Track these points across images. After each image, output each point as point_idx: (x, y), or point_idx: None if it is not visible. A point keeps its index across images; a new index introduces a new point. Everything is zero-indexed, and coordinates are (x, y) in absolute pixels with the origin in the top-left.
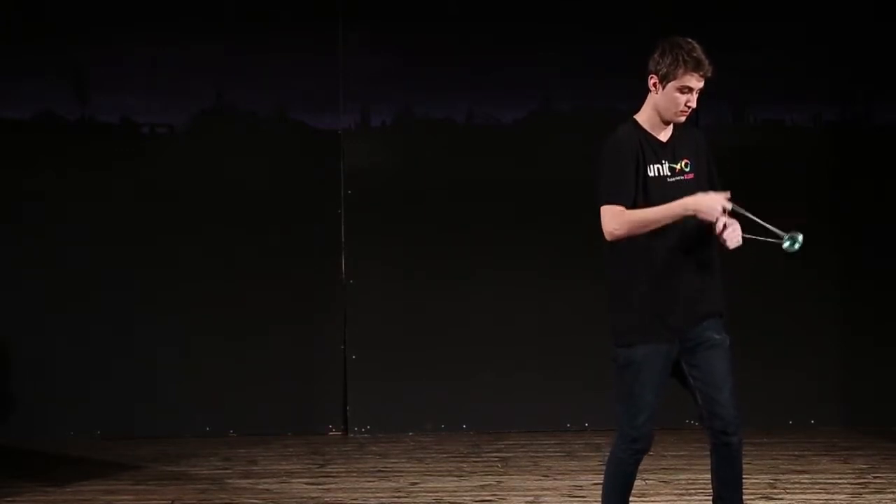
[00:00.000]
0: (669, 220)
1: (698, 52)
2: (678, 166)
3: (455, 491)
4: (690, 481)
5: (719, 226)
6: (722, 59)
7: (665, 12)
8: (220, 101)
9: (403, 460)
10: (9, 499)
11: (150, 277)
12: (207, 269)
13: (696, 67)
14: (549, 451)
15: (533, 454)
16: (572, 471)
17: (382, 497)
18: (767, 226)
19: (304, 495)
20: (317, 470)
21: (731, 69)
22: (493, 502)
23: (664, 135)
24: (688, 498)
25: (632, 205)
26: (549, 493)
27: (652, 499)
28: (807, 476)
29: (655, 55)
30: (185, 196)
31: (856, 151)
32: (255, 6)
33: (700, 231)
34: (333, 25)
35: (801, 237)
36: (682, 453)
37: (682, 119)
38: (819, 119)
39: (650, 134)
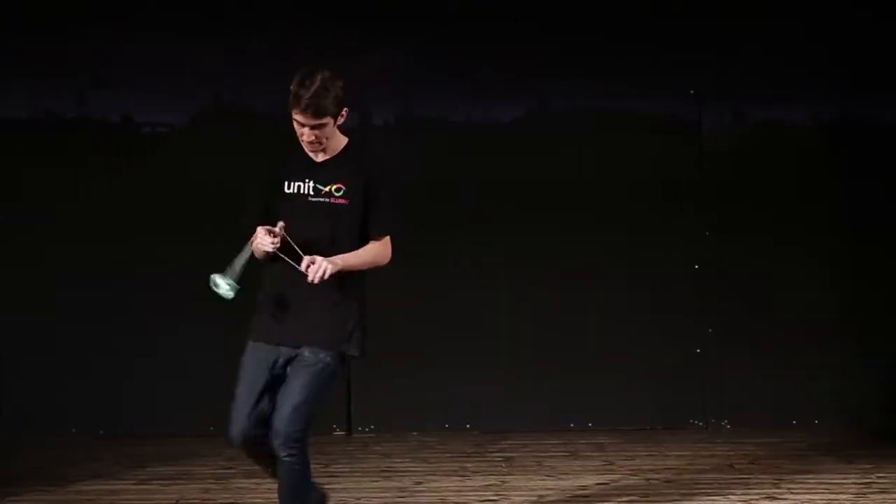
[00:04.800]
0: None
1: (305, 89)
2: (327, 188)
3: (459, 490)
4: (695, 481)
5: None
6: (723, 59)
7: (665, 14)
8: (219, 100)
9: (407, 460)
10: (11, 498)
11: (156, 277)
12: (212, 269)
13: (294, 104)
14: (553, 451)
15: (537, 454)
16: (576, 470)
17: (386, 497)
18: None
19: None
20: (321, 470)
21: (730, 69)
22: (497, 502)
23: (322, 156)
24: (692, 498)
25: (262, 220)
26: (552, 492)
27: (654, 499)
28: (811, 476)
29: None
30: (183, 196)
31: (854, 151)
32: (253, 6)
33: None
34: (333, 25)
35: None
36: (685, 453)
37: (312, 151)
38: (817, 119)
39: (304, 152)
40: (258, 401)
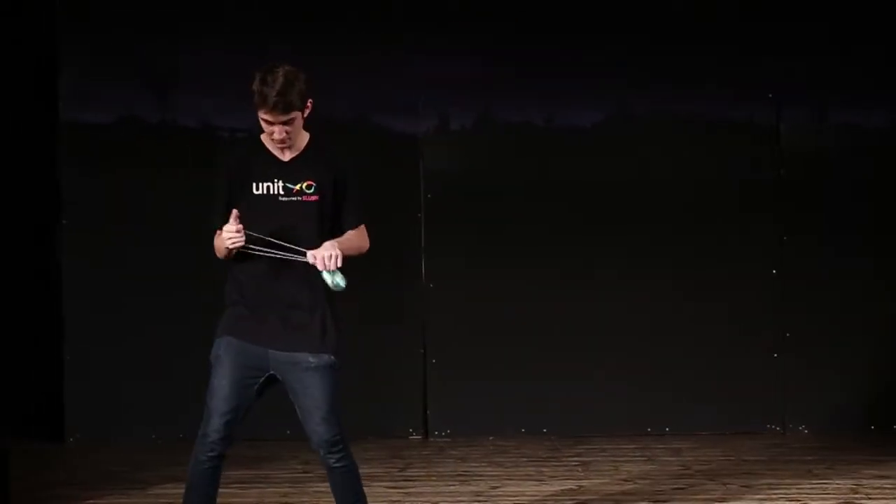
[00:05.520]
0: (221, 253)
1: (269, 86)
2: (297, 187)
3: (535, 495)
4: (772, 486)
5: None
6: (801, 62)
7: (744, 16)
8: None
9: (484, 464)
10: (91, 501)
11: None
12: None
13: (261, 103)
14: (630, 456)
15: (613, 458)
16: (653, 475)
17: (462, 501)
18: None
19: (385, 499)
20: (397, 474)
21: (809, 73)
22: None
23: (288, 154)
24: (770, 503)
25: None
26: (629, 497)
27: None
28: (889, 481)
29: None
30: None
31: None
32: (334, 10)
33: (307, 272)
34: (412, 29)
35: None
36: (762, 458)
37: (281, 147)
38: None
39: (268, 153)
40: (241, 405)
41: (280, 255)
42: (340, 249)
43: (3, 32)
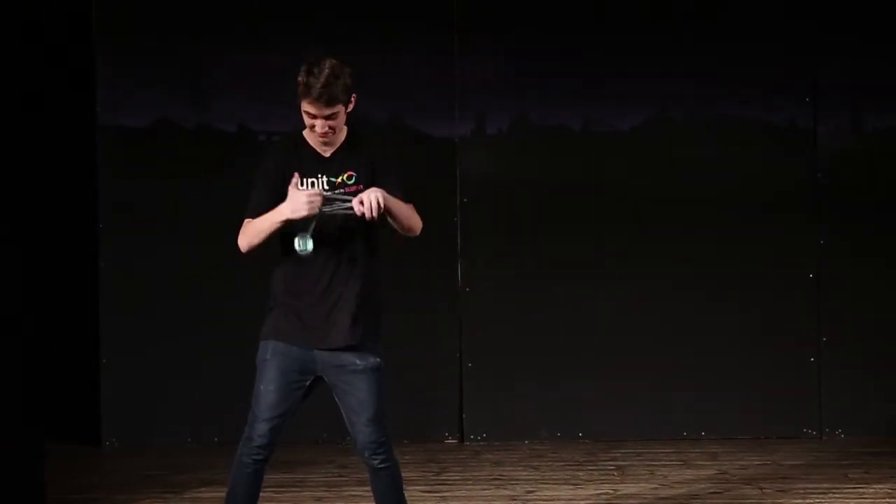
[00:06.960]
0: (274, 226)
1: (315, 77)
2: (339, 179)
3: (571, 499)
4: (808, 490)
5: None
6: (839, 66)
7: (781, 20)
8: None
9: (519, 468)
10: None
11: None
12: None
13: (305, 94)
14: (666, 460)
15: (649, 462)
16: (688, 479)
17: None
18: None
19: (420, 503)
20: (433, 478)
21: (846, 77)
22: None
23: (328, 149)
24: None
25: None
26: (665, 501)
27: None
28: None
29: None
30: None
31: None
32: (369, 14)
33: (345, 265)
34: (448, 33)
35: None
36: (799, 462)
37: (323, 142)
38: None
39: (311, 148)
40: (288, 409)
41: (338, 207)
42: (387, 203)
43: (40, 38)
